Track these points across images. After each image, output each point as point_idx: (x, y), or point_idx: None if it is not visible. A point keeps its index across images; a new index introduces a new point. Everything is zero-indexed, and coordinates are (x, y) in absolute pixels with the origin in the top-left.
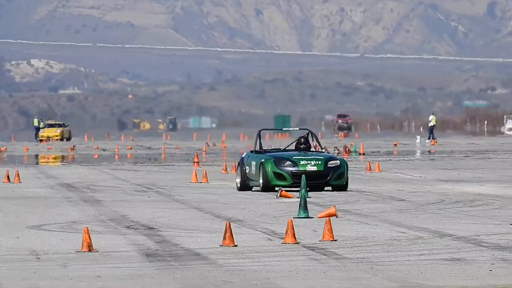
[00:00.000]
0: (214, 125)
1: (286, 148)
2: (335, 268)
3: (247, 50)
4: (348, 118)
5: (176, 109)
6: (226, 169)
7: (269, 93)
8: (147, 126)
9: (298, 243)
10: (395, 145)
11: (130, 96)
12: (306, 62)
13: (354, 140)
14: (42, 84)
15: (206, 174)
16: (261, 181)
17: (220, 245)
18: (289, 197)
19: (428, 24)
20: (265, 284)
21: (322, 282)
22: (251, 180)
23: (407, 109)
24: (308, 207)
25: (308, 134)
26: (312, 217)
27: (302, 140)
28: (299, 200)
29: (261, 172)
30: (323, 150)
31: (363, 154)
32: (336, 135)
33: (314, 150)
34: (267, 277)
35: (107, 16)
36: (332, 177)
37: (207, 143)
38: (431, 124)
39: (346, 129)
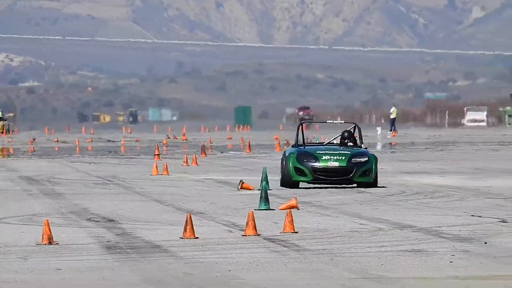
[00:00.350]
0: (174, 118)
1: (330, 142)
2: (296, 260)
3: (208, 43)
4: (309, 110)
5: (137, 102)
6: (187, 161)
7: (230, 85)
8: (107, 118)
9: (259, 235)
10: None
11: (89, 89)
12: (267, 55)
13: (316, 132)
14: (2, 77)
15: (167, 166)
16: (281, 175)
17: (181, 237)
18: (250, 189)
19: (389, 16)
20: (226, 276)
21: (283, 274)
22: None
23: (368, 101)
24: (269, 199)
25: (354, 128)
26: (273, 209)
27: (346, 134)
28: (260, 192)
29: (284, 165)
30: (363, 146)
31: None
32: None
33: (358, 145)
34: (228, 269)
35: (67, 9)
36: (356, 174)
37: (167, 135)
38: (392, 116)
39: (307, 121)
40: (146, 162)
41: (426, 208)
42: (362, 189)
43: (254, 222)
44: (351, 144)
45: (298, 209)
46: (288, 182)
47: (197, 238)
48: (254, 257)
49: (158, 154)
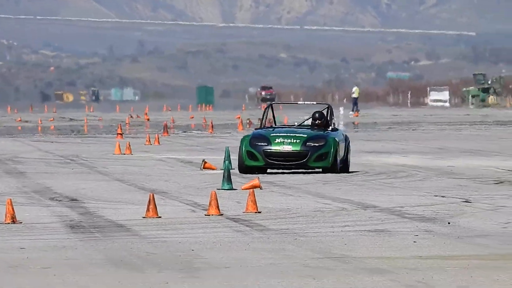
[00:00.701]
0: (136, 97)
1: (302, 124)
2: (259, 240)
3: (170, 22)
4: (271, 90)
5: (99, 81)
6: (149, 140)
7: (192, 64)
8: (70, 98)
9: (221, 214)
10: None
11: (51, 69)
12: (229, 34)
13: (278, 112)
14: None
15: (129, 145)
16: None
17: (144, 217)
18: (212, 169)
19: None
20: (189, 256)
21: (246, 254)
22: None
23: (330, 81)
24: (232, 179)
25: (327, 109)
26: (236, 189)
27: (317, 115)
28: (223, 172)
29: (239, 150)
30: (337, 128)
31: (287, 123)
32: (259, 107)
33: (332, 127)
34: (191, 249)
35: None
36: (310, 158)
37: (130, 115)
38: (354, 95)
39: (270, 101)
40: (108, 141)
41: (389, 188)
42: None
43: (217, 202)
44: (316, 126)
45: (261, 189)
46: (241, 166)
47: (160, 217)
48: (217, 237)
49: (121, 133)
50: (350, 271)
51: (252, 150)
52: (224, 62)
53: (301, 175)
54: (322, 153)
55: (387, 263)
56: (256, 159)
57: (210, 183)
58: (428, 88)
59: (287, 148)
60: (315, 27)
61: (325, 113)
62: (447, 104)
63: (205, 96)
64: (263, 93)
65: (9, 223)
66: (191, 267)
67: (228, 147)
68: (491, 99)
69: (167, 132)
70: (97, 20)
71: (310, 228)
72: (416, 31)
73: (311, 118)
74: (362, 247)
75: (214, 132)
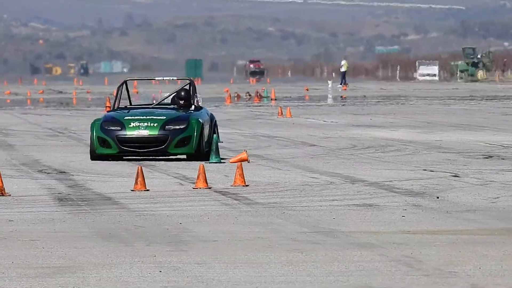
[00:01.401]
0: (125, 70)
1: (161, 103)
2: (247, 213)
3: None
4: (260, 63)
5: (88, 54)
6: None
7: (180, 37)
8: (59, 71)
9: (209, 188)
10: (307, 90)
11: (40, 42)
12: (217, 7)
13: (266, 85)
14: None
15: None
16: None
17: (132, 190)
18: None
19: None
20: (177, 229)
21: (234, 227)
22: None
23: (319, 55)
24: (220, 152)
25: (189, 85)
26: (224, 162)
27: (183, 93)
28: (211, 145)
29: (90, 135)
30: (201, 106)
31: (275, 99)
32: (247, 80)
33: (195, 106)
34: (179, 222)
35: None
36: (171, 144)
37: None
38: (342, 69)
39: (258, 74)
40: (97, 114)
41: (378, 162)
42: (314, 142)
43: (205, 175)
44: (182, 106)
45: (249, 162)
46: (92, 154)
47: (148, 190)
48: (205, 210)
49: (110, 106)
50: (338, 246)
51: (104, 136)
52: (212, 35)
53: (289, 149)
54: (184, 137)
55: (375, 238)
56: (109, 146)
57: None
58: (417, 62)
59: (144, 132)
60: (303, 0)
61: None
62: (436, 78)
63: (194, 69)
64: (251, 66)
65: None
66: (179, 240)
67: (216, 120)
68: (480, 73)
69: None
70: None
71: (298, 202)
72: (405, 5)
73: (173, 95)
74: (350, 221)
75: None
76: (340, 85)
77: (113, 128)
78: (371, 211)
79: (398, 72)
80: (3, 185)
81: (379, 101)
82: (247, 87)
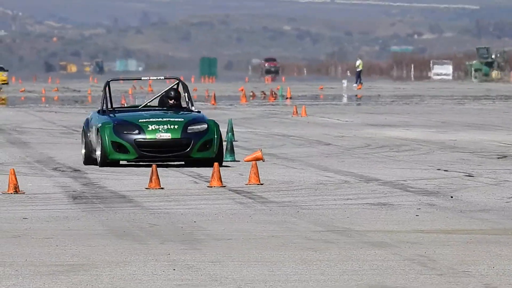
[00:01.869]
0: (140, 68)
1: (148, 105)
2: (261, 212)
3: None
4: (275, 62)
5: (103, 52)
6: None
7: (195, 36)
8: (74, 68)
9: (224, 186)
10: (321, 89)
11: (54, 39)
12: (233, 6)
13: (281, 84)
14: None
15: None
16: (98, 153)
17: (146, 188)
18: None
19: None
20: (191, 228)
21: (248, 226)
22: (95, 151)
23: (334, 53)
24: (234, 151)
25: (178, 84)
26: (239, 161)
27: (172, 93)
28: (226, 143)
29: (100, 140)
30: (194, 109)
31: (290, 98)
32: (263, 79)
33: (185, 107)
34: (193, 221)
35: None
36: (194, 147)
37: (133, 85)
38: (358, 68)
39: (273, 72)
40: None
41: (392, 162)
42: (329, 141)
43: (220, 174)
44: (175, 106)
45: (263, 161)
46: (104, 160)
47: (162, 188)
48: (219, 209)
49: (125, 104)
50: (352, 244)
51: (120, 141)
52: (228, 34)
53: (304, 148)
54: (206, 140)
55: (389, 237)
56: (126, 151)
57: None
58: (431, 62)
59: (165, 136)
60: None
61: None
62: (450, 77)
63: (208, 67)
64: (266, 65)
65: (12, 193)
66: (193, 238)
67: (231, 119)
68: (494, 73)
69: None
70: None
71: (312, 201)
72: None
73: (160, 97)
74: (364, 220)
75: (217, 104)
76: (355, 84)
77: (129, 131)
78: (385, 210)
79: (412, 71)
80: (17, 182)
81: (393, 101)
82: (262, 86)
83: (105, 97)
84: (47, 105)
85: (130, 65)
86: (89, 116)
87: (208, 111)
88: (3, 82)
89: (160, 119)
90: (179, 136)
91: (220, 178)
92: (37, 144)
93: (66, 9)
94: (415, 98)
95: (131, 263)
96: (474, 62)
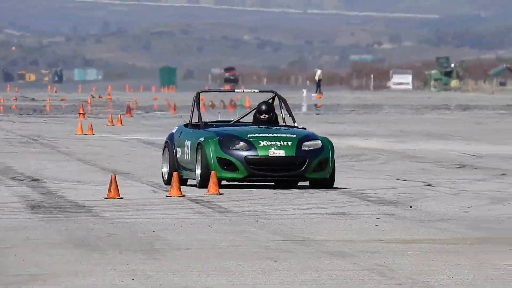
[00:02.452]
0: (100, 77)
1: (240, 121)
2: (220, 222)
3: (134, 2)
4: (234, 71)
5: (62, 61)
6: (112, 121)
7: (155, 45)
8: (33, 77)
9: (183, 196)
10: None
11: (13, 48)
12: (193, 15)
13: (241, 93)
14: None
15: (91, 126)
16: (198, 171)
17: (105, 198)
18: None
19: None
20: (150, 237)
21: (207, 235)
22: (185, 169)
23: (294, 63)
24: None
25: (274, 98)
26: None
27: (264, 107)
28: None
29: (200, 157)
30: (297, 125)
31: (249, 107)
32: (222, 88)
33: (283, 124)
34: (152, 230)
35: None
36: (309, 167)
37: (92, 95)
38: (317, 78)
39: (233, 81)
40: (71, 121)
41: (352, 171)
42: None
43: (179, 183)
44: (269, 122)
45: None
46: (205, 180)
47: (121, 198)
48: (178, 218)
49: (83, 113)
50: (311, 254)
51: (228, 157)
52: (188, 43)
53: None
54: (322, 159)
55: (348, 246)
56: (235, 169)
57: None
58: (391, 71)
59: (279, 153)
60: (279, 9)
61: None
62: (409, 87)
63: (168, 77)
64: (226, 74)
65: None
66: (152, 248)
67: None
68: (454, 82)
69: (130, 113)
70: None
71: (272, 210)
72: (380, 14)
73: (255, 111)
74: (323, 230)
75: (177, 113)
76: (315, 94)
77: (238, 148)
78: (344, 219)
79: (372, 81)
80: None
81: (353, 110)
82: (222, 95)
83: (194, 109)
84: (5, 114)
85: (89, 74)
86: (174, 130)
87: (168, 120)
88: None
89: (270, 135)
90: (293, 154)
91: (179, 187)
92: None
93: (27, 18)
94: (374, 107)
95: (90, 273)
96: (433, 71)
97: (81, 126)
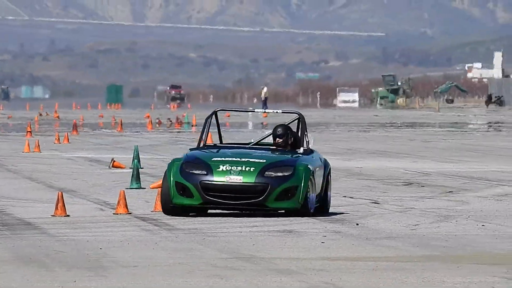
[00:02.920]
0: (47, 95)
1: (260, 142)
2: (167, 239)
3: (81, 21)
4: (180, 89)
5: (9, 79)
6: (59, 139)
7: (102, 63)
8: None
9: (130, 213)
10: (228, 116)
11: None
12: (140, 33)
13: (187, 111)
14: None
15: (38, 144)
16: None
17: (52, 215)
18: (122, 168)
19: None
20: (97, 255)
21: (154, 253)
22: None
23: (240, 80)
24: (140, 178)
25: (298, 120)
26: (145, 188)
27: (279, 130)
28: (132, 170)
29: (163, 181)
30: (312, 149)
31: (195, 125)
32: (168, 106)
33: (303, 147)
34: (99, 247)
35: None
36: (270, 195)
37: (40, 113)
38: (263, 96)
39: (179, 99)
40: (18, 139)
41: None
42: None
43: (126, 201)
44: (280, 146)
45: None
46: (166, 205)
47: (68, 216)
48: (125, 236)
49: (30, 131)
50: (258, 272)
51: (184, 182)
52: (134, 61)
53: None
54: (288, 187)
55: (295, 264)
56: (190, 195)
57: (119, 182)
58: (338, 89)
59: (236, 179)
60: (225, 27)
61: (288, 128)
62: (356, 105)
63: (115, 94)
64: (172, 92)
65: None
66: (99, 265)
67: (137, 145)
68: (400, 100)
69: (77, 131)
70: (7, 18)
71: (219, 228)
72: (326, 32)
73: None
74: (270, 248)
75: (123, 131)
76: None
77: (196, 171)
78: (291, 237)
79: (318, 98)
80: None
81: None
82: (168, 113)
83: (204, 128)
84: None
85: (36, 92)
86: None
87: (115, 138)
88: None
89: (238, 159)
90: (252, 181)
91: (126, 205)
92: None
93: None
94: (321, 125)
95: None
96: (380, 89)
97: (28, 144)
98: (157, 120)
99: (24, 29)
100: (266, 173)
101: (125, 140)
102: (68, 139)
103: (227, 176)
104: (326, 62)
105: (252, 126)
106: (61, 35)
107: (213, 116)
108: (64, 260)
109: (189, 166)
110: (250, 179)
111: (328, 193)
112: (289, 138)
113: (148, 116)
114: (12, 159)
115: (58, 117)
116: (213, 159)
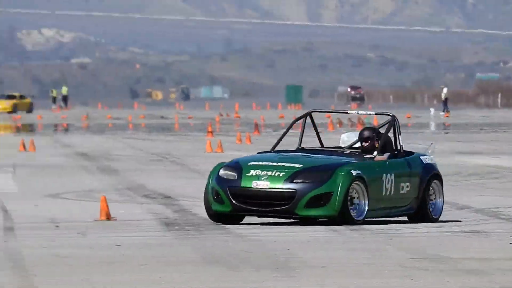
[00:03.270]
0: (226, 95)
1: (353, 146)
2: (354, 239)
3: (257, 21)
4: (360, 89)
5: (187, 79)
6: (240, 139)
7: (279, 63)
8: (160, 95)
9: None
10: (409, 117)
11: (137, 66)
12: (315, 33)
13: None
14: (53, 53)
15: (221, 144)
16: None
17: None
18: None
19: None
20: (285, 255)
21: (341, 253)
22: None
23: (419, 81)
24: None
25: (394, 122)
26: None
27: (365, 133)
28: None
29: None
30: (408, 151)
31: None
32: (349, 106)
33: (396, 150)
34: (287, 248)
35: None
36: (298, 203)
37: (220, 113)
38: (444, 96)
39: (359, 99)
40: (199, 139)
41: (482, 189)
42: None
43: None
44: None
45: None
46: (208, 211)
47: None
48: (312, 236)
49: (212, 131)
50: (446, 272)
51: (217, 187)
52: (311, 61)
53: None
54: (319, 194)
55: (484, 264)
56: (221, 201)
57: None
58: None
59: (262, 185)
60: (401, 27)
61: (375, 131)
62: None
63: (294, 95)
64: (352, 92)
65: (104, 220)
66: (287, 266)
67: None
68: None
69: (258, 131)
70: (184, 18)
71: (405, 228)
72: (505, 32)
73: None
74: (457, 248)
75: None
76: (442, 113)
77: (229, 176)
78: (478, 237)
79: (499, 99)
80: (109, 209)
81: (481, 129)
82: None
83: (302, 131)
84: (134, 132)
85: (215, 92)
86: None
87: (297, 138)
88: (4, 111)
89: (274, 163)
90: (279, 187)
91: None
92: (126, 171)
93: (149, 36)
94: (503, 126)
95: None
96: None
97: (210, 144)
98: (337, 121)
99: (200, 30)
100: (296, 179)
101: (307, 140)
102: (250, 139)
103: (254, 182)
104: (506, 63)
105: (434, 127)
106: (237, 35)
107: (309, 117)
108: (251, 261)
109: (226, 170)
110: (277, 185)
111: (435, 200)
112: (372, 143)
113: (329, 116)
114: (194, 159)
115: (238, 117)
116: (249, 163)
